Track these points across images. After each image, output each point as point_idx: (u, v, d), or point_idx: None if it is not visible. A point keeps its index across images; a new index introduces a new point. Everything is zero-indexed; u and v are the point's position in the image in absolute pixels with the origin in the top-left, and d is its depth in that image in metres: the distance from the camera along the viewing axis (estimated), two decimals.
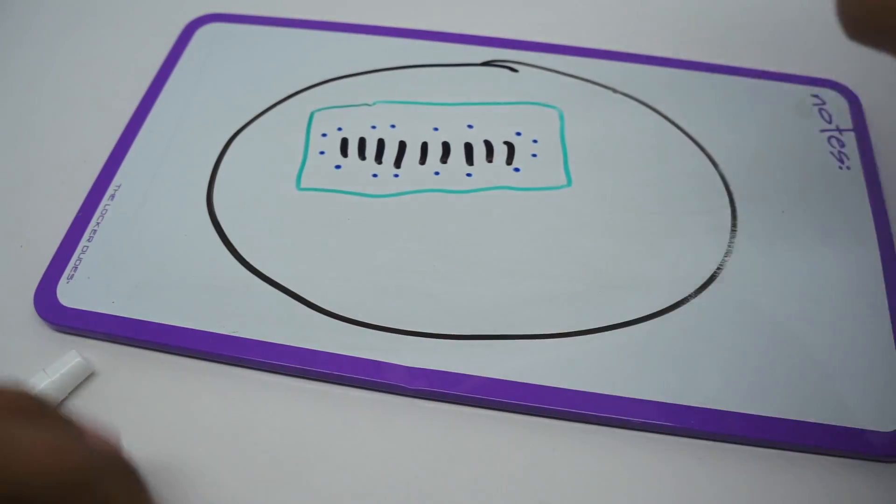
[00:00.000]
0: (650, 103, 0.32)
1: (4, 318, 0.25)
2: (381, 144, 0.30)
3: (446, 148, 0.30)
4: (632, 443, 0.23)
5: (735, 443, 0.23)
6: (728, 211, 0.28)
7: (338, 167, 0.30)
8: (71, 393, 0.24)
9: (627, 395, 0.23)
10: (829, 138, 0.31)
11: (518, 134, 0.30)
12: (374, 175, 0.29)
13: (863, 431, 0.23)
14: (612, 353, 0.24)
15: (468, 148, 0.30)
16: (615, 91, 0.32)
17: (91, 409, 0.24)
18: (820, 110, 0.32)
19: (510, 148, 0.30)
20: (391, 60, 0.33)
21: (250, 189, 0.29)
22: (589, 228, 0.28)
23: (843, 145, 0.30)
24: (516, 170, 0.29)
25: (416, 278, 0.26)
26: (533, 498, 0.22)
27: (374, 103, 0.32)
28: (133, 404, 0.24)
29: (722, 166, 0.30)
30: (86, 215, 0.28)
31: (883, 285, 0.26)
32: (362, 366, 0.24)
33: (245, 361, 0.25)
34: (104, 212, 0.28)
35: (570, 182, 0.29)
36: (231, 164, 0.30)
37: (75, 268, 0.27)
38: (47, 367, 0.24)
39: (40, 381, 0.24)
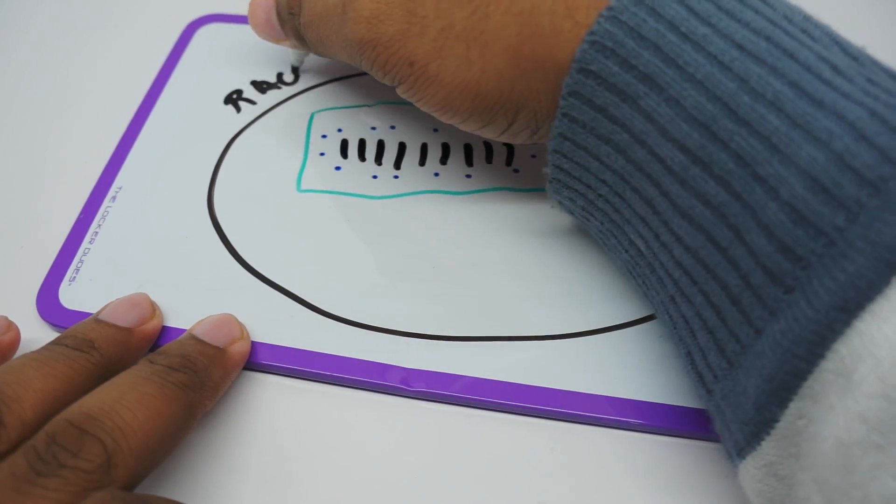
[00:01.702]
0: None
1: None
2: (381, 146, 0.30)
3: (446, 149, 0.30)
4: (632, 444, 0.23)
5: None
6: None
7: (338, 168, 0.30)
8: None
9: (628, 397, 0.23)
10: None
11: None
12: (374, 176, 0.29)
13: None
14: (613, 354, 0.24)
15: (468, 149, 0.30)
16: None
17: None
18: None
19: (510, 149, 0.30)
20: None
21: (251, 190, 0.29)
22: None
23: None
24: (516, 171, 0.29)
25: (415, 280, 0.26)
26: (532, 498, 0.22)
27: (375, 104, 0.32)
28: None
29: None
30: (87, 217, 0.28)
31: None
32: (362, 368, 0.24)
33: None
34: (106, 213, 0.28)
35: None
36: (231, 165, 0.30)
37: (77, 269, 0.27)
38: None
39: None
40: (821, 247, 0.16)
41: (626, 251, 0.22)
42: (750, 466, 0.18)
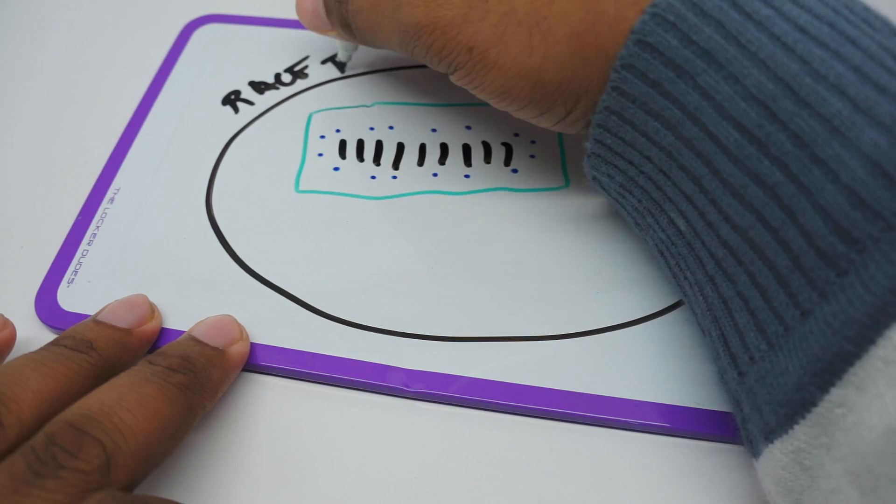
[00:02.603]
0: None
1: None
2: (379, 146, 0.30)
3: (444, 149, 0.30)
4: (631, 443, 0.23)
5: (733, 443, 0.23)
6: None
7: (336, 169, 0.30)
8: None
9: (627, 397, 0.23)
10: None
11: (516, 135, 0.30)
12: (373, 177, 0.29)
13: None
14: (612, 354, 0.24)
15: (466, 149, 0.30)
16: None
17: None
18: None
19: (508, 149, 0.30)
20: (390, 62, 0.33)
21: (249, 191, 0.29)
22: (587, 229, 0.28)
23: None
24: (514, 171, 0.29)
25: (415, 280, 0.26)
26: (532, 498, 0.22)
27: (373, 105, 0.32)
28: None
29: None
30: (86, 218, 0.28)
31: None
32: (361, 369, 0.24)
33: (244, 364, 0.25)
34: (104, 215, 0.28)
35: (568, 183, 0.29)
36: (230, 166, 0.30)
37: (76, 271, 0.27)
38: None
39: None
40: (878, 231, 0.16)
41: (663, 230, 0.22)
42: (776, 451, 0.18)
